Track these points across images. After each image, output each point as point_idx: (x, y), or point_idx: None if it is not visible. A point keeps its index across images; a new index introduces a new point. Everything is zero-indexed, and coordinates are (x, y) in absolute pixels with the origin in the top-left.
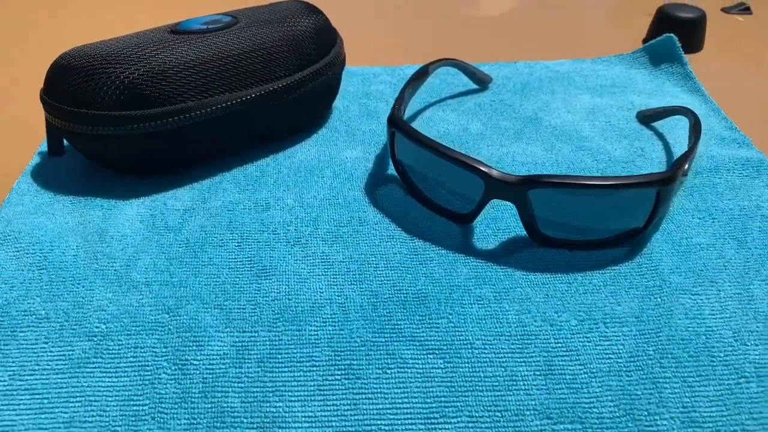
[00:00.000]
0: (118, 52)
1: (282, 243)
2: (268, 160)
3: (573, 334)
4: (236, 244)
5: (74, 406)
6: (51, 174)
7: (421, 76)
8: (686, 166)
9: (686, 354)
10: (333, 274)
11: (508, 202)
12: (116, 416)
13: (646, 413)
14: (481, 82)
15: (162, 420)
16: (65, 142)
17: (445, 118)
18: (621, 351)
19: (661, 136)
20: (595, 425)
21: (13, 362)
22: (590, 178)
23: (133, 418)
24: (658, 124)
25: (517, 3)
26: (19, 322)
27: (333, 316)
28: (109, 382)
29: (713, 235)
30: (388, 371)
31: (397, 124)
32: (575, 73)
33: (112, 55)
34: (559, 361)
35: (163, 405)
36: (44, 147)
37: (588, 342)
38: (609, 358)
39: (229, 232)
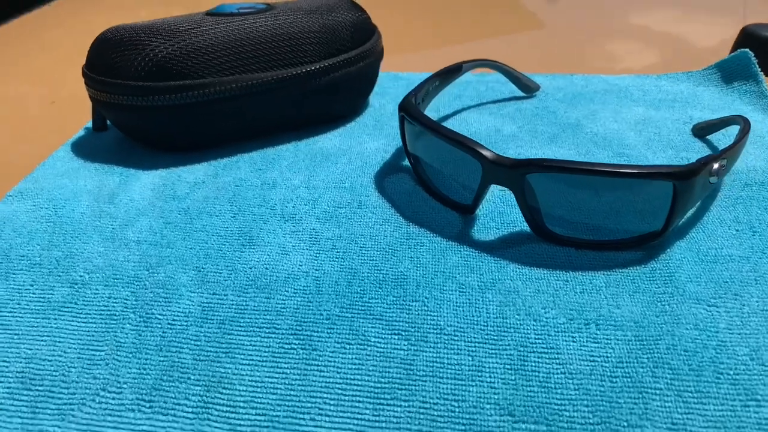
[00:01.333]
0: (154, 29)
1: (276, 218)
2: (289, 146)
3: (558, 332)
4: (232, 216)
5: (39, 345)
6: (88, 145)
7: (453, 71)
8: (716, 165)
9: (687, 367)
10: (317, 250)
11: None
12: (74, 358)
13: (625, 424)
14: (527, 88)
15: (114, 366)
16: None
17: (480, 120)
18: (609, 355)
19: (714, 149)
20: (562, 429)
21: None
22: (596, 165)
23: (89, 362)
24: (714, 137)
25: (588, 17)
26: (15, 265)
27: (305, 288)
28: (76, 325)
29: (750, 248)
30: (347, 347)
31: (406, 107)
32: (634, 87)
33: (148, 31)
34: (534, 357)
35: (119, 353)
36: (90, 124)
37: (573, 342)
38: (593, 360)
39: (229, 204)
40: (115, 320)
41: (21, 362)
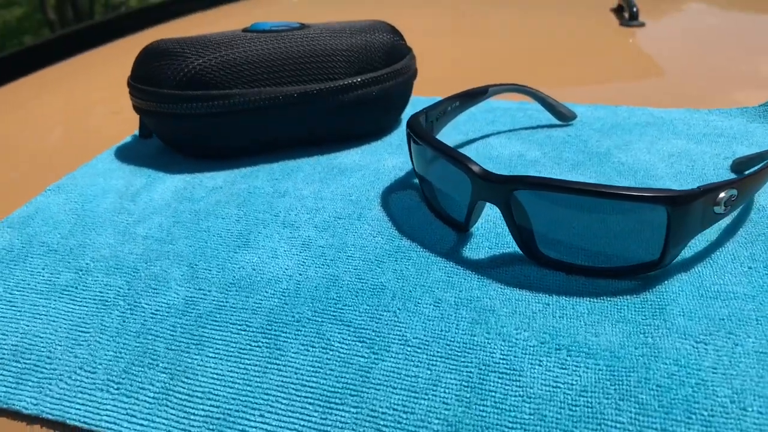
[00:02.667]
0: (192, 43)
1: (277, 224)
2: (311, 159)
3: (525, 354)
4: (236, 219)
5: (36, 322)
6: (131, 150)
7: (477, 94)
8: (722, 194)
9: (657, 402)
10: (306, 256)
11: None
12: (63, 337)
13: None
14: (563, 116)
15: (94, 348)
16: None
17: (506, 144)
18: (574, 382)
19: None
20: None
21: (12, 280)
22: (584, 184)
23: (74, 341)
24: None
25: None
26: (35, 250)
27: (285, 290)
28: (71, 308)
29: (759, 287)
30: (310, 349)
31: (411, 124)
32: (680, 120)
33: (186, 45)
34: (495, 377)
35: (102, 336)
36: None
37: (539, 365)
38: (556, 386)
39: (236, 209)
40: (106, 306)
41: (17, 336)
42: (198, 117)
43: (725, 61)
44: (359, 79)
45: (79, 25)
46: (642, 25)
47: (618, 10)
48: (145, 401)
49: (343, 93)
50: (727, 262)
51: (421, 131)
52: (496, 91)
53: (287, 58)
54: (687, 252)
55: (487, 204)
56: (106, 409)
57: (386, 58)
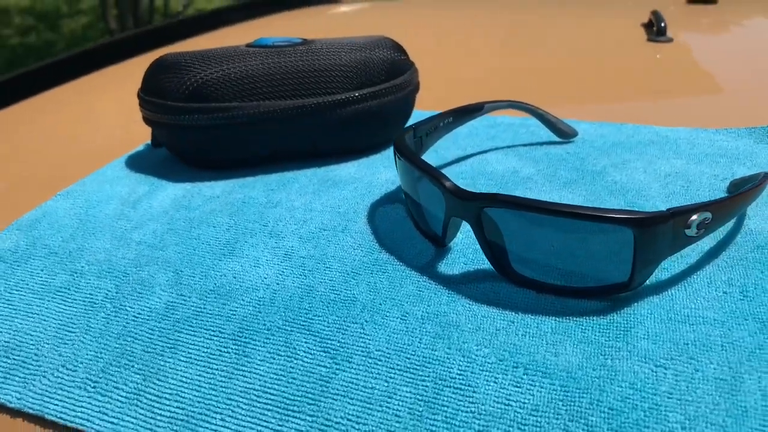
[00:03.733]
0: (198, 57)
1: (264, 234)
2: (308, 171)
3: (483, 370)
4: (227, 228)
5: (28, 321)
6: (141, 159)
7: (472, 110)
8: (694, 216)
9: (606, 425)
10: (286, 266)
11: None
12: (51, 335)
13: None
14: (563, 134)
15: (77, 347)
16: None
17: (502, 161)
18: (526, 401)
19: (749, 208)
20: None
21: (12, 279)
22: (552, 204)
23: (60, 340)
24: None
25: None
26: (38, 252)
27: (260, 299)
28: (62, 308)
29: (731, 313)
30: (276, 357)
31: (396, 140)
32: (684, 140)
33: (192, 59)
34: (449, 392)
35: (86, 336)
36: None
37: (494, 382)
38: (508, 404)
39: (228, 218)
40: (93, 308)
41: (10, 334)
42: (199, 128)
43: (751, 79)
44: (357, 94)
45: (134, 31)
46: (670, 40)
47: (649, 25)
48: (117, 400)
49: (341, 107)
50: (702, 286)
51: (404, 148)
52: (492, 108)
53: (287, 73)
54: (662, 274)
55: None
56: (81, 407)
57: (386, 73)
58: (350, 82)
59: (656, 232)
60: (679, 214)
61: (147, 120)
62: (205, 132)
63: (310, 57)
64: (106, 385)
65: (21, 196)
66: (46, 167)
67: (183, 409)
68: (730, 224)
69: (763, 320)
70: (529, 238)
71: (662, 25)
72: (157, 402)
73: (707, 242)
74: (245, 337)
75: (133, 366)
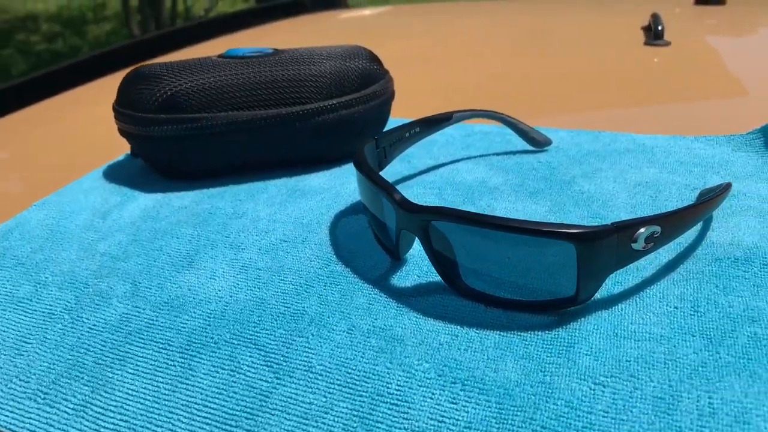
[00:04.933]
0: (169, 69)
1: (224, 245)
2: (279, 181)
3: (421, 386)
4: (188, 240)
5: None
6: (120, 169)
7: (440, 120)
8: (641, 229)
9: None
10: (242, 278)
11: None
12: (8, 347)
13: None
14: (536, 142)
15: (32, 359)
16: None
17: (472, 170)
18: (460, 418)
19: (714, 219)
20: None
21: None
22: (494, 218)
23: (16, 351)
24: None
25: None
26: (6, 263)
27: (212, 312)
28: (22, 319)
29: (678, 329)
30: (220, 371)
31: (356, 154)
32: (661, 148)
33: (163, 71)
34: (385, 408)
35: (41, 348)
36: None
37: (430, 398)
38: (442, 420)
39: (192, 229)
40: (52, 319)
41: None
42: (170, 139)
43: (747, 84)
44: (330, 103)
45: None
46: (667, 44)
47: (648, 29)
48: (65, 412)
49: (313, 117)
50: (654, 301)
51: (361, 160)
52: (461, 117)
53: (258, 83)
54: (615, 288)
55: None
56: (30, 418)
57: (359, 82)
58: (323, 91)
59: (599, 246)
60: (625, 228)
61: (121, 131)
62: (176, 143)
63: (282, 67)
64: (55, 396)
65: (21, 201)
66: (42, 174)
67: (126, 422)
68: (692, 236)
69: (710, 337)
70: (477, 251)
71: (659, 28)
72: (102, 414)
73: (665, 254)
74: (192, 350)
75: (83, 378)
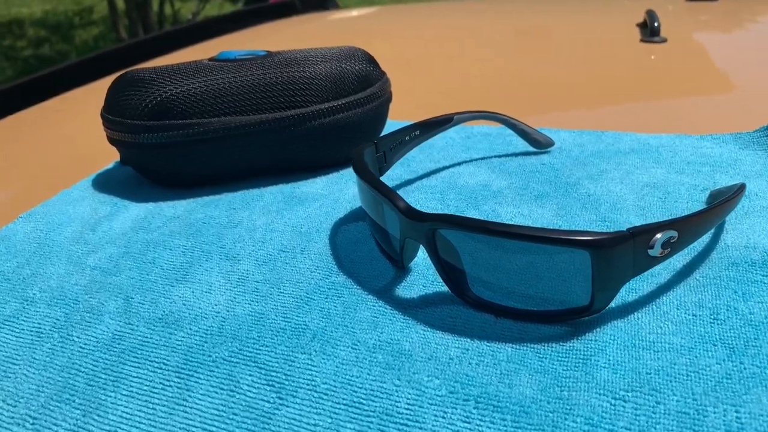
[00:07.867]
0: (158, 74)
1: (219, 256)
2: (274, 189)
3: (432, 404)
4: (182, 251)
5: None
6: (109, 178)
7: (440, 123)
8: (658, 235)
9: None
10: (239, 291)
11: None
12: None
13: None
14: (538, 144)
15: (20, 381)
16: None
17: (474, 173)
18: None
19: (727, 221)
20: None
21: None
22: (504, 225)
23: (3, 372)
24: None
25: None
26: None
27: (209, 328)
28: (9, 339)
29: (699, 338)
30: (220, 391)
31: (354, 157)
32: (666, 147)
33: (153, 75)
34: (395, 428)
35: (29, 369)
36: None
37: (442, 417)
38: None
39: (185, 239)
40: (40, 338)
41: None
42: (160, 147)
43: (746, 80)
44: (326, 107)
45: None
46: (664, 41)
47: (644, 25)
48: None
49: (309, 121)
50: (671, 309)
51: (361, 165)
52: (462, 119)
53: (250, 87)
54: (629, 296)
55: None
56: None
57: (356, 84)
58: (320, 94)
59: (615, 254)
60: (641, 233)
61: (110, 139)
62: (167, 150)
63: (277, 70)
64: (45, 421)
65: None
66: (28, 184)
67: None
68: (705, 239)
69: (733, 346)
70: (486, 259)
71: (656, 24)
72: None
73: (680, 260)
74: (189, 370)
75: (74, 401)
